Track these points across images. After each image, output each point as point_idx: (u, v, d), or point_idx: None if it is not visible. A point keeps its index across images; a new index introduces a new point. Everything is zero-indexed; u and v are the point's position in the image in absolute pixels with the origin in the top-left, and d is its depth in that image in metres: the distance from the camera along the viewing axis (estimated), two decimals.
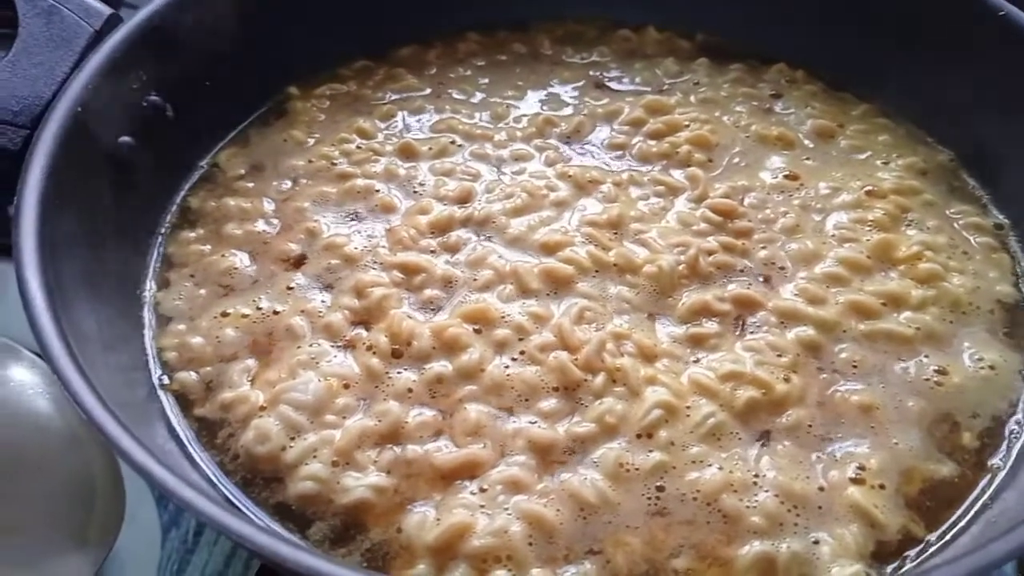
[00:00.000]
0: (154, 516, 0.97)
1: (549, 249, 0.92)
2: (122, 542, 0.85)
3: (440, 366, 0.83)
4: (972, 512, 0.76)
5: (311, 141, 1.06)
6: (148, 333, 0.87)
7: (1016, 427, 0.82)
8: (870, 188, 1.00)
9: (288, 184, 1.01)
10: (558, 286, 0.89)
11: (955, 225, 0.98)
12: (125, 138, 0.91)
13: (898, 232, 0.96)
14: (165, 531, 0.97)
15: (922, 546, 0.74)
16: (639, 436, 0.78)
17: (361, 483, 0.75)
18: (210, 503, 0.59)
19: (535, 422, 0.79)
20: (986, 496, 0.77)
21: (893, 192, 0.99)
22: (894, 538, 0.74)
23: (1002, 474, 0.78)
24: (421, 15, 1.18)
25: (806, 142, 1.06)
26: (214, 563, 0.95)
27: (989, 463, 0.79)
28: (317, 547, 0.73)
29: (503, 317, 0.86)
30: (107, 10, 0.94)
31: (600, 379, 0.81)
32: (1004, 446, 0.80)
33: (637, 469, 0.76)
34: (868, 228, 0.96)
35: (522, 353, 0.83)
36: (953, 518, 0.76)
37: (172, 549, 0.96)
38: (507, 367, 0.82)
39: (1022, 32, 0.96)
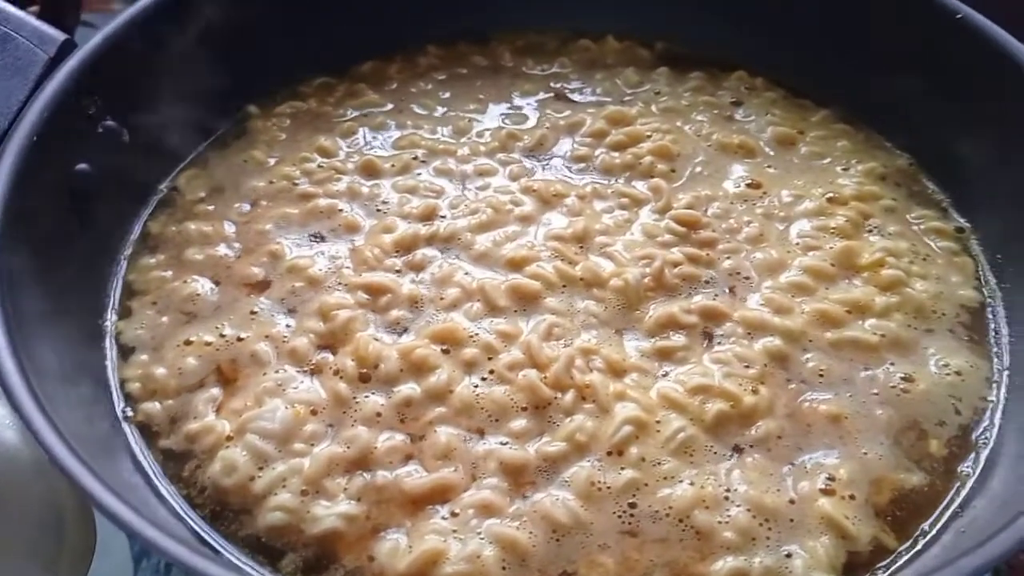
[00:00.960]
0: (125, 546, 0.96)
1: (516, 265, 0.92)
2: (94, 573, 0.84)
3: (408, 388, 0.82)
4: (942, 521, 0.76)
5: (271, 161, 1.05)
6: (110, 364, 0.86)
7: (984, 433, 0.82)
8: (831, 195, 1.00)
9: (249, 206, 1.00)
10: (526, 302, 0.89)
11: (916, 230, 0.99)
12: (82, 165, 0.90)
13: (860, 239, 0.96)
14: (136, 561, 0.96)
15: (893, 557, 0.74)
16: (610, 453, 0.78)
17: (331, 512, 0.75)
18: (175, 543, 0.58)
19: (506, 443, 0.79)
20: (956, 504, 0.77)
21: (854, 198, 1.00)
22: (865, 549, 0.74)
23: (971, 482, 0.79)
24: (380, 30, 1.16)
25: (767, 150, 1.07)
26: None
27: (958, 471, 0.80)
28: None
29: (471, 336, 0.86)
30: (61, 36, 0.92)
31: (570, 396, 0.81)
32: (972, 454, 0.81)
33: (609, 488, 0.76)
34: (831, 235, 0.96)
35: (491, 372, 0.83)
36: (923, 527, 0.76)
37: None
38: (476, 387, 0.82)
39: (978, 35, 0.97)
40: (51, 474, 0.87)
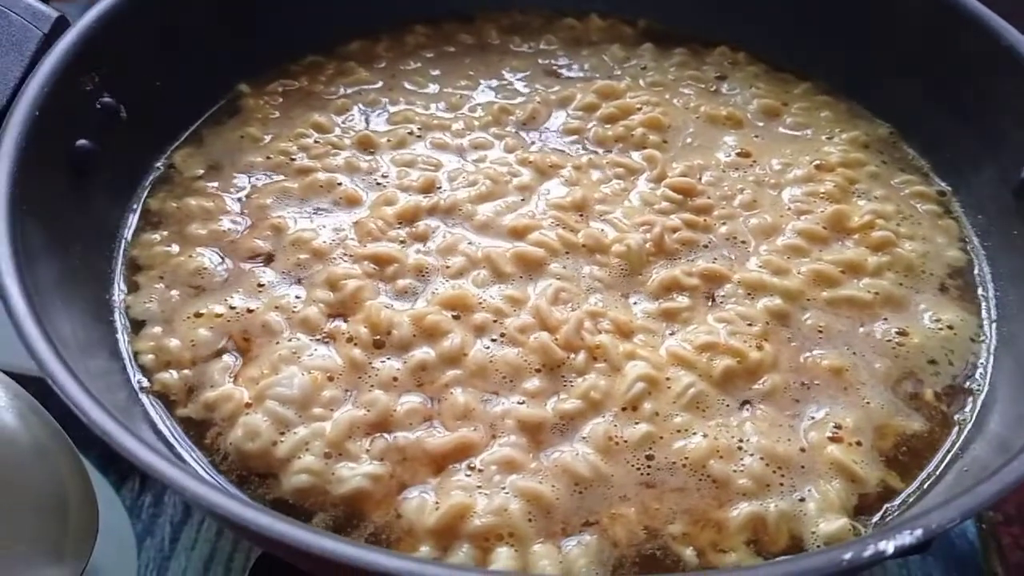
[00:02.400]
0: (128, 526, 0.96)
1: (518, 233, 0.94)
2: (97, 555, 0.84)
3: (423, 353, 0.83)
4: (944, 463, 0.80)
5: (267, 138, 1.05)
6: (122, 338, 0.86)
7: (978, 381, 0.86)
8: (819, 162, 1.04)
9: (248, 181, 1.00)
10: (531, 269, 0.91)
11: (901, 194, 1.02)
12: (82, 141, 0.89)
13: (849, 203, 1.00)
14: (140, 540, 0.95)
15: (901, 498, 0.77)
16: (624, 409, 0.80)
17: (356, 472, 0.75)
18: (230, 499, 0.58)
19: (522, 402, 0.80)
20: (956, 448, 0.81)
21: (841, 165, 1.04)
22: (874, 491, 0.77)
23: (968, 426, 0.82)
24: (367, 9, 1.18)
25: (754, 121, 1.10)
26: (193, 568, 0.94)
27: (955, 417, 0.83)
28: None
29: (480, 302, 0.87)
30: (54, 13, 0.92)
31: (581, 357, 0.83)
32: (968, 400, 0.85)
33: (626, 441, 0.78)
34: (821, 200, 0.99)
35: (502, 335, 0.85)
36: (927, 470, 0.79)
37: (149, 558, 0.95)
38: (489, 350, 0.84)
39: (951, 6, 1.01)
40: (52, 457, 0.87)
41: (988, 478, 0.61)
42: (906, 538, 0.56)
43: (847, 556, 0.55)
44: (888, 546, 0.55)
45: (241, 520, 0.56)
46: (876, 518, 0.76)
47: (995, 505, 0.96)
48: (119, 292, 0.90)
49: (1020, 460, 0.61)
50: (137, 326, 0.87)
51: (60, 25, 0.93)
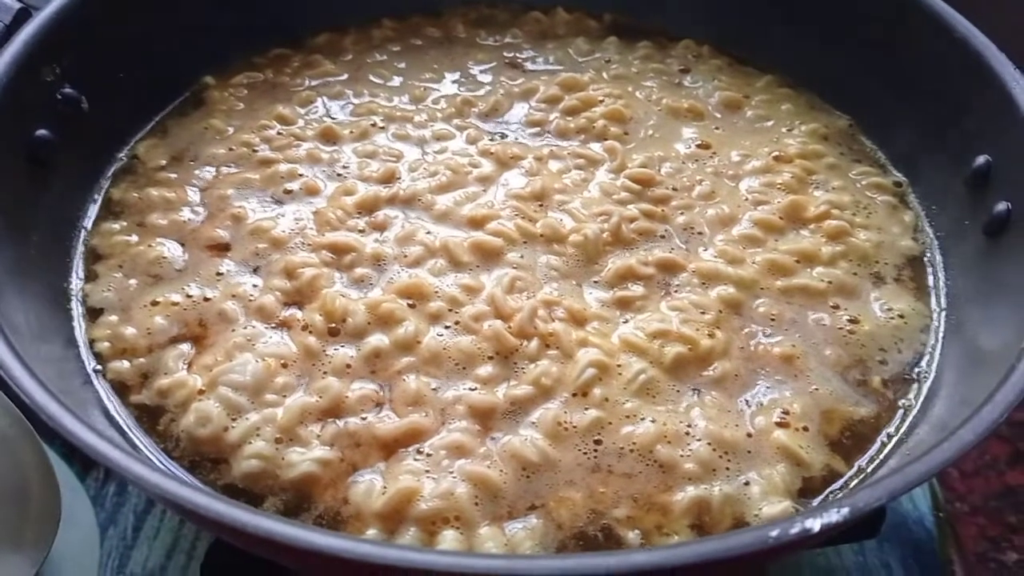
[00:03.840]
0: (91, 515, 0.96)
1: (477, 223, 0.94)
2: (59, 543, 0.85)
3: (377, 340, 0.84)
4: (889, 447, 0.81)
5: (231, 129, 1.06)
6: (78, 325, 0.86)
7: (926, 368, 0.87)
8: (777, 153, 1.05)
9: (210, 172, 1.01)
10: (488, 258, 0.91)
11: (858, 185, 1.03)
12: (42, 131, 0.90)
13: (806, 193, 1.00)
14: (103, 530, 0.96)
15: (843, 480, 0.78)
16: (575, 395, 0.81)
17: (306, 457, 0.76)
18: (170, 479, 0.59)
19: (474, 388, 0.81)
20: (901, 432, 0.82)
21: (799, 156, 1.04)
22: (819, 475, 0.78)
23: (914, 411, 0.83)
24: (334, 3, 1.19)
25: (715, 113, 1.11)
26: (155, 557, 0.94)
27: (901, 402, 0.84)
28: None
29: (436, 291, 0.88)
30: (16, 4, 0.93)
31: (534, 344, 0.84)
32: (915, 387, 0.85)
33: (575, 427, 0.79)
34: (778, 191, 1.00)
35: (457, 323, 0.85)
36: (871, 453, 0.80)
37: (112, 547, 0.95)
38: (443, 337, 0.84)
39: (906, 1, 1.02)
40: (13, 445, 0.88)
41: (918, 458, 0.62)
42: (832, 516, 0.57)
43: (774, 533, 0.56)
44: (815, 524, 0.56)
45: (173, 496, 0.57)
46: (818, 501, 0.77)
47: (940, 476, 0.97)
48: (77, 280, 0.90)
49: (950, 441, 0.62)
50: (94, 314, 0.88)
51: (22, 16, 0.94)
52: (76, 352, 0.84)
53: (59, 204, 0.93)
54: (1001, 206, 0.87)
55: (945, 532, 1.00)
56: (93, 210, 0.97)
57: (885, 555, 0.96)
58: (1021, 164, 0.87)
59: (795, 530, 0.56)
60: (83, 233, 0.95)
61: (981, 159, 0.91)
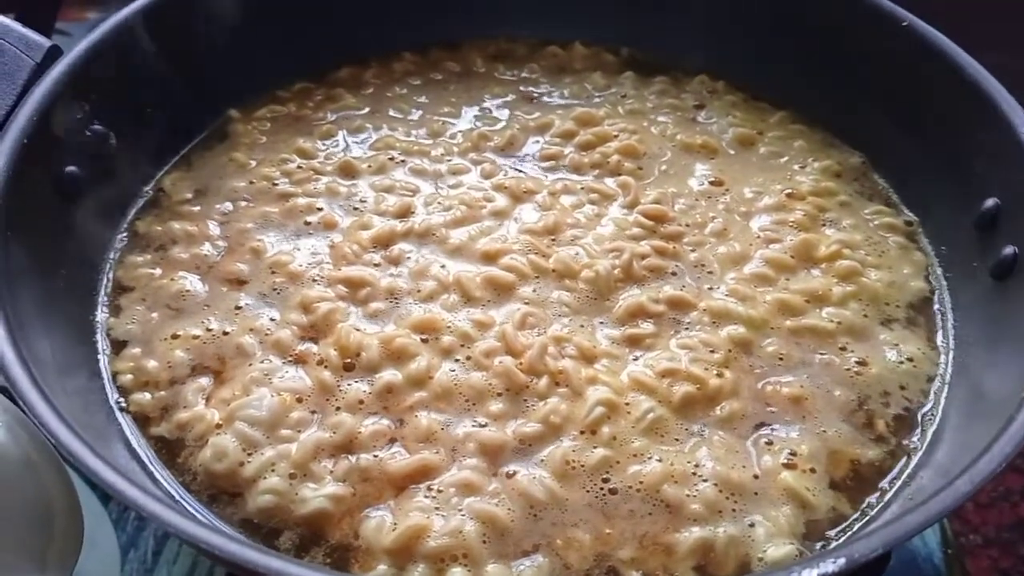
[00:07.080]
0: (112, 539, 0.99)
1: (490, 258, 0.96)
2: (82, 565, 0.87)
3: (390, 375, 0.86)
4: (892, 491, 0.81)
5: (253, 163, 1.08)
6: (102, 358, 0.89)
7: (931, 411, 0.87)
8: (790, 191, 1.06)
9: (231, 206, 1.03)
10: (500, 293, 0.93)
11: (870, 224, 1.04)
12: (71, 168, 0.93)
13: (818, 232, 1.01)
14: (124, 552, 0.98)
15: (847, 523, 0.79)
16: (583, 433, 0.82)
17: (319, 494, 0.78)
18: (181, 517, 0.61)
19: (484, 425, 0.83)
20: (904, 476, 0.82)
21: (811, 194, 1.05)
22: (824, 517, 0.79)
23: (918, 455, 0.84)
24: (357, 37, 1.21)
25: (728, 149, 1.12)
26: None
27: (906, 445, 0.85)
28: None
29: (448, 326, 0.90)
30: (47, 42, 0.95)
31: (544, 381, 0.85)
32: (919, 430, 0.86)
33: (583, 465, 0.80)
34: (790, 229, 1.01)
35: (468, 359, 0.87)
36: (875, 497, 0.81)
37: (132, 570, 0.97)
38: (454, 373, 0.86)
39: (922, 42, 1.02)
40: (39, 469, 0.90)
41: (915, 508, 0.63)
42: (828, 567, 0.58)
43: None
44: (811, 574, 0.57)
45: (185, 534, 0.59)
46: (822, 543, 0.78)
47: (957, 514, 0.97)
48: (102, 313, 0.93)
49: (947, 492, 0.63)
50: (118, 347, 0.90)
51: (52, 54, 0.96)
52: (100, 384, 0.87)
53: (86, 238, 0.96)
54: (1008, 250, 0.88)
55: (954, 569, 1.00)
56: (119, 242, 0.99)
57: None
58: None
59: None
60: (109, 265, 0.97)
61: (990, 201, 0.92)
